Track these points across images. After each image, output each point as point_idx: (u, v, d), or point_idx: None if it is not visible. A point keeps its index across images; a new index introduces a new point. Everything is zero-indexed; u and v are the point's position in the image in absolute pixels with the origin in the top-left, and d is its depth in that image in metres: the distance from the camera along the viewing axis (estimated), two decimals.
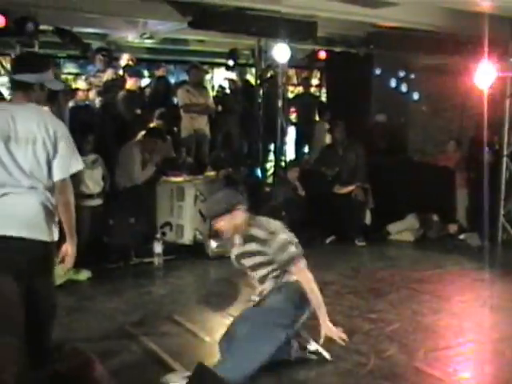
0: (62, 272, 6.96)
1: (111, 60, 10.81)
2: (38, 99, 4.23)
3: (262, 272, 4.83)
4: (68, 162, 4.10)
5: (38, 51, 10.02)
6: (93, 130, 8.35)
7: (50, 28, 9.86)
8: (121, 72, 10.66)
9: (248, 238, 4.82)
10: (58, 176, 4.05)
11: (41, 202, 4.00)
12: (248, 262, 4.87)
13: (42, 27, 9.26)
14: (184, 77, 11.96)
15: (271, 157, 12.40)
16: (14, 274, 3.79)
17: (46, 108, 4.33)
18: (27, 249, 3.93)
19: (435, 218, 10.17)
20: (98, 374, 2.30)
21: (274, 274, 4.80)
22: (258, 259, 4.80)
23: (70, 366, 1.45)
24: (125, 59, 10.89)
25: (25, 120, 4.00)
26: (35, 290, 3.91)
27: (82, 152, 7.80)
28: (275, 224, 4.87)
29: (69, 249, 4.21)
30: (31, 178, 3.98)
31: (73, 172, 4.14)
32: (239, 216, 4.84)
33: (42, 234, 3.99)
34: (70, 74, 13.49)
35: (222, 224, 4.86)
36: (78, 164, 4.18)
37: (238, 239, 4.93)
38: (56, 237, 4.11)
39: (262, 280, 4.85)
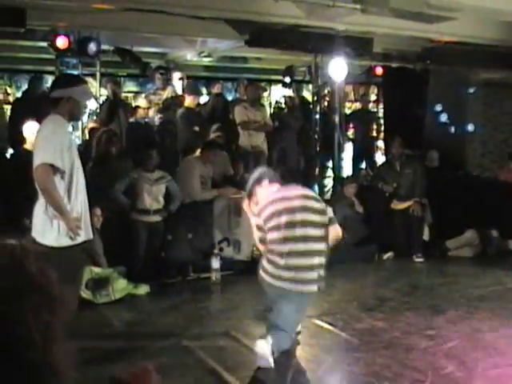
0: (121, 286, 7.19)
1: (170, 78, 11.01)
2: (67, 110, 4.68)
3: None
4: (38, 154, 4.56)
5: (99, 70, 10.36)
6: (153, 147, 8.49)
7: (111, 48, 10.13)
8: (180, 90, 10.84)
9: None
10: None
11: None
12: None
13: (103, 47, 9.53)
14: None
15: (329, 173, 12.39)
16: None
17: (58, 117, 4.68)
18: None
19: (495, 233, 10.00)
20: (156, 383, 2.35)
21: None
22: None
23: (128, 374, 1.48)
24: (176, 78, 11.09)
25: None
26: None
27: (145, 168, 8.03)
28: None
29: None
30: None
31: (38, 162, 4.51)
32: None
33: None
34: (130, 92, 13.76)
35: None
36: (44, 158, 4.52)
37: None
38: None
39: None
